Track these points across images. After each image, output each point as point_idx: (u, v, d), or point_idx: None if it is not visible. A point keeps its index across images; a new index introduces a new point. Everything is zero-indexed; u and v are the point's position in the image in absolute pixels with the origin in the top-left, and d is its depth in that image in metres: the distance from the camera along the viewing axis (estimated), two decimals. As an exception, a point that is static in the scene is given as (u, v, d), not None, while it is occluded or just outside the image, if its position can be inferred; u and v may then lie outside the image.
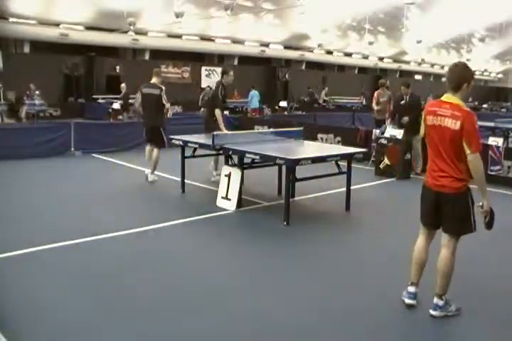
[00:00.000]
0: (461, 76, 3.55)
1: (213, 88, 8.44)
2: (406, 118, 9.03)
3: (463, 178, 3.52)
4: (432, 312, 3.63)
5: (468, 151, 3.42)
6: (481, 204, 3.52)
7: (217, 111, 7.93)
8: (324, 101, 26.06)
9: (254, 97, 19.51)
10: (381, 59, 34.66)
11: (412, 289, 3.76)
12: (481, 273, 4.56)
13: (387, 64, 35.22)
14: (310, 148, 7.39)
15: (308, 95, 26.80)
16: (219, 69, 25.56)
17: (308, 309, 3.77)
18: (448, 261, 3.61)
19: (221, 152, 6.81)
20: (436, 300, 3.63)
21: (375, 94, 11.27)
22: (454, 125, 3.44)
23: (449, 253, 3.62)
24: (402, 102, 9.41)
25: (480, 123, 14.79)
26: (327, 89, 26.57)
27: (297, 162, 5.78)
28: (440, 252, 3.66)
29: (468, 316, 3.68)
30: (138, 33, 21.61)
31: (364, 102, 27.59)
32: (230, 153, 6.57)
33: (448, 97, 3.56)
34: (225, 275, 4.40)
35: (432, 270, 3.68)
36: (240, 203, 6.49)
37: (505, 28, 30.55)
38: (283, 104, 23.46)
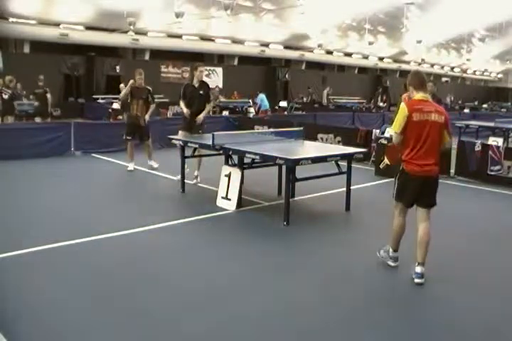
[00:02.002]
0: (426, 79, 4.42)
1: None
2: None
3: (439, 163, 4.32)
4: (417, 280, 4.17)
5: (448, 139, 4.34)
6: None
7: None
8: (328, 100, 25.84)
9: (264, 100, 20.07)
10: (381, 59, 34.65)
11: (396, 254, 4.53)
12: (481, 267, 4.59)
13: (387, 64, 35.22)
14: (310, 148, 7.38)
15: (308, 95, 26.75)
16: (219, 69, 25.64)
17: (308, 309, 3.77)
18: (429, 231, 4.30)
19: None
20: (420, 269, 4.20)
21: (406, 98, 10.48)
22: (440, 119, 4.22)
23: (429, 224, 4.32)
24: None
25: (480, 123, 14.92)
26: (329, 89, 26.43)
27: (297, 162, 5.78)
28: (421, 225, 4.30)
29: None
30: (138, 33, 21.59)
31: (372, 105, 27.34)
32: (230, 153, 6.57)
33: (424, 96, 4.31)
34: (225, 275, 4.40)
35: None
36: (240, 203, 6.49)
37: (505, 28, 30.53)
38: (283, 104, 23.46)
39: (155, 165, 9.10)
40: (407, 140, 4.23)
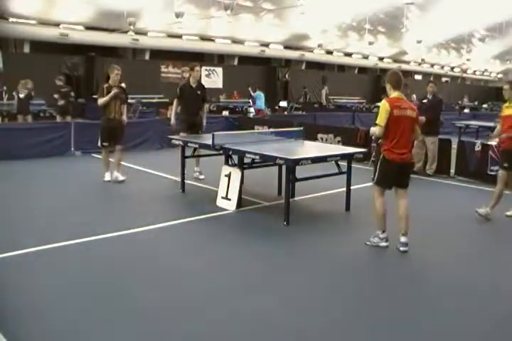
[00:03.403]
0: (403, 79, 5.04)
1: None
2: (423, 118, 7.98)
3: (411, 150, 5.16)
4: (402, 248, 4.88)
5: (418, 131, 5.16)
6: None
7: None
8: (327, 100, 25.69)
9: (256, 98, 19.59)
10: (381, 59, 34.64)
11: (385, 234, 5.01)
12: (481, 267, 4.59)
13: (387, 64, 35.16)
14: (310, 148, 7.39)
15: (304, 94, 26.69)
16: (219, 69, 25.63)
17: (308, 309, 3.78)
18: (408, 206, 4.98)
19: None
20: (404, 239, 4.90)
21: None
22: (413, 114, 4.93)
23: (408, 201, 5.01)
24: (425, 101, 9.27)
25: (480, 123, 14.90)
26: (327, 89, 26.35)
27: (297, 162, 5.78)
28: (401, 202, 4.99)
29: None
30: (138, 33, 21.58)
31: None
32: (230, 153, 6.57)
33: (400, 95, 4.95)
34: (225, 275, 4.40)
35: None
36: (240, 203, 6.49)
37: (505, 28, 30.51)
38: (283, 104, 23.44)
39: (121, 177, 7.97)
40: (389, 132, 4.87)
